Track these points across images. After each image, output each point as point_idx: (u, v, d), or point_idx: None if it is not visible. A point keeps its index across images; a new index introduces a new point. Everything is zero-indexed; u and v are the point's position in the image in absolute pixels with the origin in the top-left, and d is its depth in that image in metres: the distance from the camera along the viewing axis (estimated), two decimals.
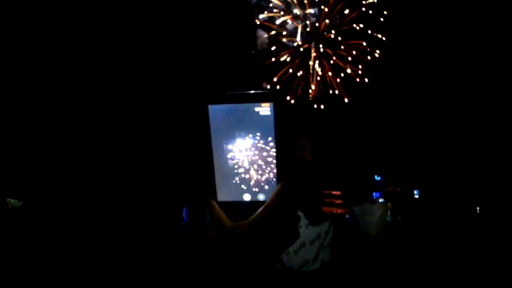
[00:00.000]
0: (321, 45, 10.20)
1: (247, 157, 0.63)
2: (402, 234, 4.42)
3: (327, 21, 9.84)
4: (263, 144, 0.62)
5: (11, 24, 6.12)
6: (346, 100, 10.53)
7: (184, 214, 3.60)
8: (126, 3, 7.52)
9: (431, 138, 9.71)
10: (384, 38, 9.80)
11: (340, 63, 10.41)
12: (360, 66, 10.31)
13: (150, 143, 7.08)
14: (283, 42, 9.99)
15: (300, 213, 2.59)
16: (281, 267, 2.64)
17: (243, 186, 0.64)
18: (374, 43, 9.94)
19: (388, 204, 4.16)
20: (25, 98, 6.28)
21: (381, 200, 4.60)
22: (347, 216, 5.05)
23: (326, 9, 9.74)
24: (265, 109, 0.61)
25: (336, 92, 10.59)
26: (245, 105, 0.62)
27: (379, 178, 7.82)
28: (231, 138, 0.62)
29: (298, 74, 10.53)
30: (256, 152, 0.62)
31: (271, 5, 9.52)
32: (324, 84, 10.62)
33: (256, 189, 0.64)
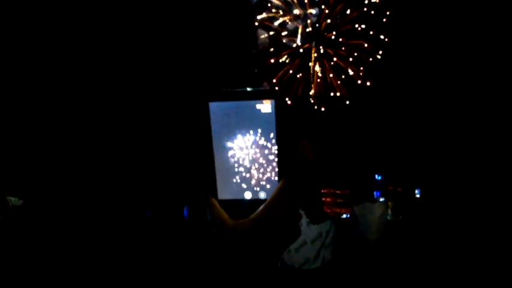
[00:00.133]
0: (321, 46, 10.19)
1: (248, 155, 0.63)
2: (403, 233, 4.42)
3: (328, 21, 9.83)
4: (264, 141, 0.62)
5: (11, 24, 6.12)
6: (347, 102, 10.53)
7: (185, 213, 3.61)
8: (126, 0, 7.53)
9: (433, 137, 9.70)
10: (384, 38, 9.79)
11: (341, 64, 10.40)
12: (361, 67, 10.30)
13: (150, 142, 7.08)
14: (284, 42, 9.98)
15: (301, 212, 2.59)
16: (282, 265, 2.65)
17: (243, 184, 0.64)
18: (375, 43, 9.93)
19: (389, 203, 4.16)
20: (26, 97, 6.28)
21: (381, 199, 4.59)
22: (347, 215, 5.05)
23: (327, 11, 9.73)
24: (266, 106, 0.61)
25: (337, 92, 10.59)
26: (246, 102, 0.62)
27: (379, 177, 7.81)
28: (231, 136, 0.62)
29: (299, 75, 10.52)
30: (257, 150, 0.62)
31: (270, 5, 9.51)
32: (325, 84, 10.61)
33: (257, 188, 0.64)
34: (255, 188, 0.64)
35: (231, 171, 0.64)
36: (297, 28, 9.90)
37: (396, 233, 4.21)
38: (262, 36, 9.60)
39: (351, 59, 10.30)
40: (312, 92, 10.66)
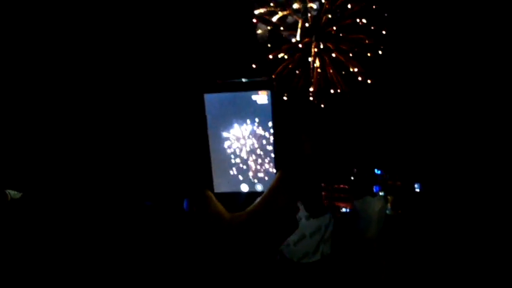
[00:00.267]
0: (321, 40, 10.13)
1: (244, 147, 0.62)
2: (402, 227, 4.43)
3: (328, 15, 9.75)
4: (261, 133, 0.61)
5: (11, 24, 6.10)
6: (347, 95, 10.48)
7: (185, 205, 3.61)
8: None
9: (432, 132, 9.69)
10: (385, 33, 9.72)
11: (341, 58, 10.34)
12: (362, 62, 10.24)
13: (146, 133, 7.08)
14: (283, 37, 9.91)
15: (300, 206, 2.60)
16: (281, 258, 2.65)
17: (240, 176, 0.64)
18: (376, 38, 9.86)
19: (389, 197, 4.16)
20: (24, 92, 6.27)
21: (380, 194, 4.60)
22: (346, 209, 5.06)
23: (327, 6, 9.65)
24: (262, 97, 0.60)
25: (337, 87, 10.55)
26: (241, 93, 0.61)
27: (379, 172, 7.82)
28: (227, 127, 0.62)
29: (298, 71, 10.47)
30: (254, 142, 0.62)
31: None
32: (325, 79, 10.56)
33: (254, 180, 0.64)
34: (251, 181, 0.64)
35: (227, 164, 0.63)
36: (297, 22, 9.83)
37: (395, 227, 4.22)
38: (261, 31, 9.53)
39: (351, 54, 10.23)
40: (311, 87, 10.61)
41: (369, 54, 9.95)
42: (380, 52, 9.86)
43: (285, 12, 9.59)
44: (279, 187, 0.60)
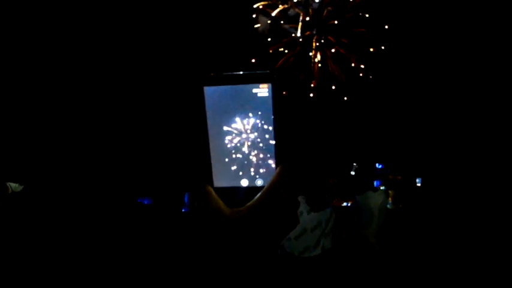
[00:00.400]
0: (322, 34, 10.06)
1: (244, 141, 0.61)
2: (403, 222, 4.43)
3: (329, 8, 9.68)
4: (261, 127, 0.60)
5: (11, 24, 6.08)
6: (346, 87, 10.43)
7: (186, 200, 3.62)
8: None
9: (433, 127, 9.67)
10: (386, 28, 9.64)
11: (342, 51, 10.28)
12: (363, 56, 10.18)
13: (144, 127, 7.08)
14: (284, 30, 9.85)
15: (302, 200, 2.60)
16: (282, 253, 2.66)
17: (240, 171, 0.62)
18: (378, 32, 9.79)
19: (390, 192, 4.15)
20: (26, 88, 6.27)
21: (381, 188, 4.59)
22: (347, 204, 5.06)
23: None
24: (263, 90, 0.59)
25: (338, 81, 10.50)
26: (242, 86, 0.59)
27: (380, 166, 7.81)
28: (227, 121, 0.60)
29: (299, 63, 10.41)
30: (254, 136, 0.60)
31: None
32: (325, 72, 10.51)
33: (254, 174, 0.62)
34: (251, 175, 0.62)
35: (227, 158, 0.62)
36: (298, 15, 9.76)
37: (396, 221, 4.22)
38: (262, 24, 9.46)
39: (352, 48, 10.17)
40: (312, 80, 10.57)
41: (371, 50, 9.89)
42: (382, 47, 9.80)
43: (286, 6, 9.51)
44: (279, 182, 0.59)
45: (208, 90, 0.60)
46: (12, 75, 6.02)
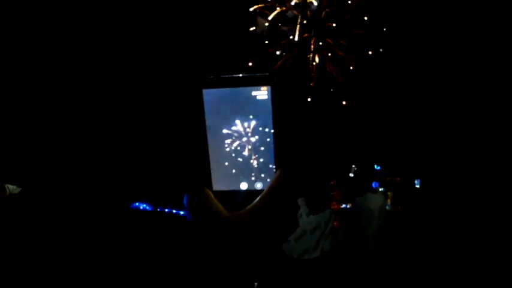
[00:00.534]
0: (320, 35, 10.06)
1: (243, 144, 0.60)
2: (402, 223, 4.43)
3: (328, 10, 9.68)
4: (260, 130, 0.59)
5: (11, 24, 6.08)
6: (345, 93, 10.43)
7: (184, 202, 3.60)
8: None
9: (432, 128, 9.68)
10: (385, 30, 9.65)
11: (341, 54, 10.28)
12: (362, 58, 10.18)
13: (142, 129, 7.06)
14: (282, 32, 9.84)
15: (301, 202, 2.59)
16: (281, 255, 2.66)
17: (239, 174, 0.62)
18: (376, 34, 9.80)
19: (389, 193, 4.16)
20: (24, 88, 6.27)
21: (380, 190, 4.59)
22: (346, 205, 5.06)
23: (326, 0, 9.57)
24: (262, 93, 0.58)
25: (336, 83, 10.49)
26: (241, 89, 0.59)
27: (378, 168, 7.79)
28: (226, 123, 0.60)
29: (297, 66, 10.40)
30: (253, 139, 0.60)
31: None
32: (324, 74, 10.50)
33: (253, 178, 0.62)
34: (250, 178, 0.62)
35: (226, 161, 0.61)
36: (296, 17, 9.76)
37: (395, 223, 4.22)
38: (259, 26, 9.45)
39: (350, 50, 10.17)
40: (310, 83, 10.56)
41: (370, 52, 9.90)
42: (381, 50, 9.80)
43: (284, 8, 9.52)
44: (279, 185, 0.59)
45: (207, 92, 0.59)
46: (8, 76, 6.01)
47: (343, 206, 5.15)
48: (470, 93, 8.97)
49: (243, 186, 0.67)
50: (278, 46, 10.05)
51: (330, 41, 10.23)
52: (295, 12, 9.65)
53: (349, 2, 9.62)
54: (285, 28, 9.81)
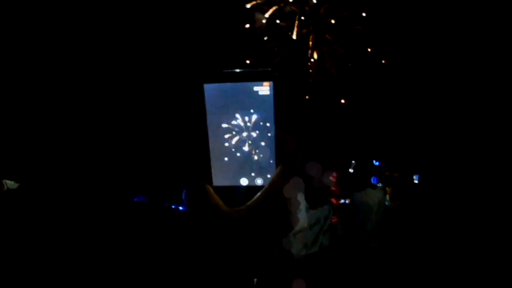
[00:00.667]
0: (319, 31, 10.04)
1: (244, 139, 0.60)
2: (400, 219, 4.44)
3: (326, 5, 9.66)
4: (262, 125, 0.59)
5: (11, 24, 6.04)
6: (344, 88, 10.44)
7: (183, 197, 3.60)
8: None
9: (430, 123, 9.69)
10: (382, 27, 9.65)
11: (340, 50, 10.27)
12: (359, 54, 10.18)
13: (143, 125, 7.05)
14: (281, 28, 9.81)
15: (300, 197, 2.59)
16: (280, 250, 2.66)
17: (239, 170, 0.61)
18: (375, 30, 9.79)
19: (387, 189, 4.16)
20: (23, 86, 6.24)
21: (379, 185, 4.60)
22: (345, 201, 5.07)
23: None
24: (264, 88, 0.58)
25: (334, 78, 10.49)
26: (243, 84, 0.58)
27: (376, 163, 7.82)
28: (227, 119, 0.59)
29: (295, 62, 10.39)
30: (254, 134, 0.59)
31: None
32: (322, 70, 10.50)
33: (254, 174, 0.61)
34: (251, 174, 0.61)
35: (226, 157, 0.61)
36: (295, 13, 9.74)
37: (394, 218, 4.23)
38: (258, 22, 9.42)
39: (348, 46, 10.17)
40: (309, 78, 10.56)
41: (369, 50, 9.90)
42: (379, 46, 9.80)
43: (282, 4, 9.48)
44: (279, 181, 0.58)
45: (208, 87, 0.59)
46: (7, 73, 5.98)
47: (342, 201, 5.16)
48: (468, 90, 8.98)
49: (244, 182, 0.67)
50: (276, 43, 10.03)
51: (328, 36, 10.22)
52: (293, 8, 9.62)
53: None
54: (283, 24, 9.79)
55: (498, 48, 8.33)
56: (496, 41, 8.34)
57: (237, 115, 0.58)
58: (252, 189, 0.60)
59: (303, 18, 9.61)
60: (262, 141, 0.59)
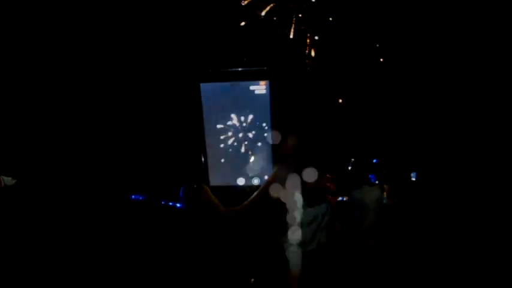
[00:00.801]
0: (316, 29, 10.01)
1: (241, 139, 0.59)
2: (398, 216, 4.46)
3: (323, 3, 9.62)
4: (258, 125, 0.59)
5: (11, 24, 6.00)
6: (342, 88, 10.43)
7: (181, 194, 3.60)
8: None
9: (428, 121, 9.72)
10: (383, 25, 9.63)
11: (338, 48, 10.25)
12: (358, 52, 10.16)
13: (139, 125, 7.04)
14: (277, 25, 9.77)
15: (298, 195, 2.60)
16: (277, 248, 2.67)
17: (236, 169, 0.61)
18: (373, 27, 9.77)
19: (385, 186, 4.17)
20: (21, 84, 6.22)
21: (376, 183, 4.62)
22: (342, 198, 5.09)
23: None
24: (260, 87, 0.58)
25: (332, 77, 10.48)
26: (239, 83, 0.58)
27: (374, 161, 7.83)
28: (223, 118, 0.59)
29: (293, 60, 10.36)
30: (251, 134, 0.59)
31: None
32: (319, 68, 10.48)
33: (251, 173, 0.61)
34: (248, 174, 0.61)
35: (223, 156, 0.61)
36: (292, 10, 9.70)
37: (391, 216, 4.24)
38: (256, 18, 9.37)
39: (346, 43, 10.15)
40: (307, 76, 10.55)
41: (367, 48, 9.89)
42: (377, 45, 9.79)
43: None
44: (276, 181, 0.58)
45: (204, 86, 0.59)
46: (4, 71, 5.95)
47: (340, 198, 5.18)
48: (466, 88, 8.99)
49: (240, 181, 0.66)
50: (273, 40, 10.00)
51: (326, 35, 10.21)
52: (290, 5, 9.58)
53: None
54: (280, 21, 9.75)
55: (498, 47, 8.35)
56: (496, 41, 8.35)
57: (234, 114, 0.58)
58: (248, 188, 0.60)
59: (300, 15, 9.58)
60: (259, 140, 0.59)
